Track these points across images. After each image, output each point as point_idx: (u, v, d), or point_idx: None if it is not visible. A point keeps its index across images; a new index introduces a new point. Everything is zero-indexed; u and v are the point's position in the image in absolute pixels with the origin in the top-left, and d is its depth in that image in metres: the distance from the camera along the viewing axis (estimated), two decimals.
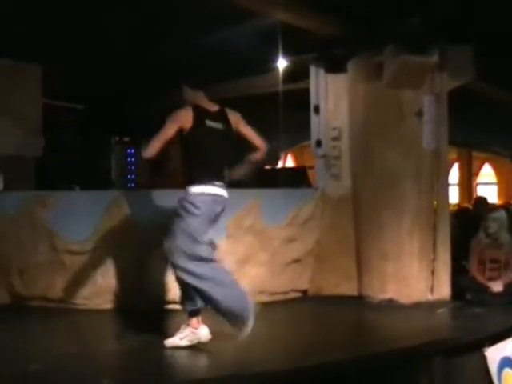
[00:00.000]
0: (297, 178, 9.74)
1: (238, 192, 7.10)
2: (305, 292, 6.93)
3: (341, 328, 5.65)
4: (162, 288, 5.75)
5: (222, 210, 4.63)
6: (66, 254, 6.08)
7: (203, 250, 4.47)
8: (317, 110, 7.14)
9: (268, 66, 7.65)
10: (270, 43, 6.70)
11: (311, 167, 9.12)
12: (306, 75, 7.27)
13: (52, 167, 8.48)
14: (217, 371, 4.18)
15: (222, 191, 4.56)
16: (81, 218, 6.05)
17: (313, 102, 7.19)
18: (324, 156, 7.09)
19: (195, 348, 4.61)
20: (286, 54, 7.11)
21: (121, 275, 5.89)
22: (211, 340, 4.85)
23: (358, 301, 6.64)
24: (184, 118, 4.50)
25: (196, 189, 4.46)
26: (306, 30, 6.42)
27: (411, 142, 6.50)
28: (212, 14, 6.35)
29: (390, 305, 6.39)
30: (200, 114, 4.54)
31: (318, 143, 7.13)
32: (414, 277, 6.48)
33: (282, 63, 7.47)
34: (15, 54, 7.40)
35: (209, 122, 4.56)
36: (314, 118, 7.21)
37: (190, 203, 4.44)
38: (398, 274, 6.47)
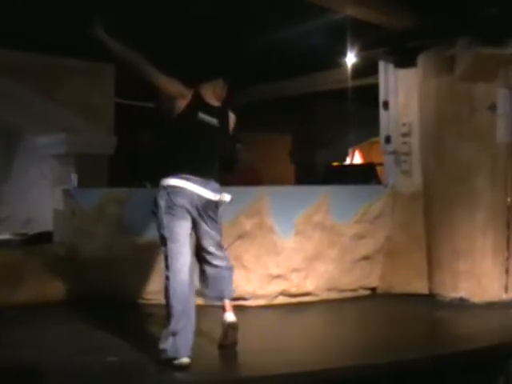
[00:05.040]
0: (365, 175, 9.64)
1: (307, 188, 7.15)
2: (374, 289, 6.85)
3: (412, 326, 5.56)
4: None
5: (201, 207, 4.33)
6: (137, 250, 6.21)
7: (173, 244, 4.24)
8: (386, 105, 7.05)
9: (337, 61, 7.60)
10: (338, 38, 6.65)
11: (379, 164, 9.01)
12: (375, 70, 7.20)
13: (124, 165, 8.67)
14: (288, 368, 4.18)
15: (193, 186, 4.28)
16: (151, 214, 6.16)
17: (382, 98, 7.10)
18: (394, 152, 7.00)
19: (265, 344, 4.64)
20: (355, 49, 7.04)
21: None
22: (281, 338, 4.87)
23: (429, 299, 6.51)
24: (183, 93, 4.32)
25: (164, 181, 4.32)
26: (376, 25, 6.34)
27: (484, 137, 6.33)
28: (281, 11, 6.35)
29: (462, 304, 6.25)
30: (197, 102, 4.36)
31: (388, 139, 7.03)
32: (487, 275, 6.32)
33: (350, 58, 7.41)
34: (90, 54, 7.60)
35: (202, 115, 4.37)
36: (383, 113, 7.12)
37: (156, 198, 4.30)
38: (470, 272, 6.32)
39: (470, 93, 6.31)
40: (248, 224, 6.11)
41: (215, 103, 4.52)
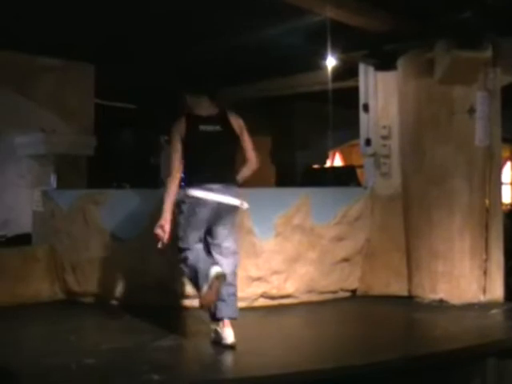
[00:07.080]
0: (345, 177, 9.69)
1: (286, 190, 7.15)
2: (354, 291, 6.87)
3: (391, 328, 5.60)
4: None
5: (219, 214, 4.65)
6: (116, 251, 6.18)
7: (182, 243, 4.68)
8: (366, 108, 7.07)
9: (317, 64, 7.62)
10: (319, 41, 6.65)
11: (360, 166, 9.06)
12: (355, 73, 7.22)
13: (103, 166, 8.62)
14: (267, 370, 4.18)
15: (215, 196, 4.59)
16: (130, 215, 6.14)
17: (362, 101, 7.13)
18: (373, 155, 7.02)
19: (245, 347, 4.64)
20: (335, 51, 7.06)
21: (170, 273, 5.94)
22: (261, 340, 4.86)
23: (408, 301, 6.54)
24: (179, 128, 4.70)
25: (186, 191, 4.66)
26: (356, 27, 6.36)
27: (463, 139, 6.38)
28: (261, 12, 6.36)
29: (441, 305, 6.29)
30: (192, 120, 4.70)
31: (368, 142, 7.05)
32: (466, 277, 6.36)
33: (331, 61, 7.42)
34: (69, 53, 7.55)
35: (202, 127, 4.68)
36: (363, 116, 7.14)
37: (178, 202, 4.68)
38: (448, 274, 6.36)
39: (449, 96, 6.35)
40: None
41: (210, 112, 4.77)
